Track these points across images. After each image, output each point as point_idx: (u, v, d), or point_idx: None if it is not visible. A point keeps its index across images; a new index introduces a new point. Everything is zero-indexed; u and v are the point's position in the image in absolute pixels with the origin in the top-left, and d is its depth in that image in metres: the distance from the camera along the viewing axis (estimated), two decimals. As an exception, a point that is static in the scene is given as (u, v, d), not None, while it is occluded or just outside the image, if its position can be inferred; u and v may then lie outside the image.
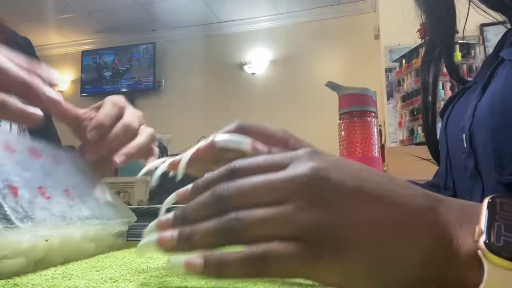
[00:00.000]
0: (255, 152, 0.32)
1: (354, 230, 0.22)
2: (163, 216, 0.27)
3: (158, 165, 0.38)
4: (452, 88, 2.60)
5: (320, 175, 0.23)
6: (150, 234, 0.27)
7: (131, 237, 0.74)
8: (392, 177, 0.25)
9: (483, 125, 0.38)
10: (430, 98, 0.57)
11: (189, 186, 0.29)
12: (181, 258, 0.24)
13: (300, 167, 0.24)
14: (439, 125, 0.56)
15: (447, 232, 0.22)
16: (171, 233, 0.25)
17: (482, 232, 0.21)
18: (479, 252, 0.21)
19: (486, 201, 0.23)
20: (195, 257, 0.24)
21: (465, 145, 0.42)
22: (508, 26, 0.47)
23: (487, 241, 0.21)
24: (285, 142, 0.38)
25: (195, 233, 0.25)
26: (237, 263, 0.23)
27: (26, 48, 0.75)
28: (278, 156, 0.26)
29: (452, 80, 0.58)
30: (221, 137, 0.34)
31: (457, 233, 0.22)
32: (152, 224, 0.28)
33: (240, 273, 0.23)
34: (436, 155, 0.57)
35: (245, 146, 0.32)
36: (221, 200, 0.25)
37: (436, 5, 0.54)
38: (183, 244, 0.25)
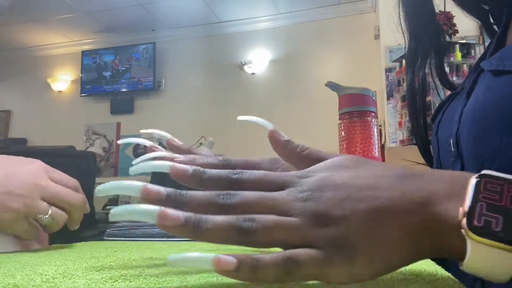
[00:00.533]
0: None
1: (355, 236, 0.24)
2: (151, 186, 0.26)
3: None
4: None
5: (318, 197, 0.25)
6: (130, 199, 0.26)
7: (110, 236, 0.74)
8: (384, 172, 0.27)
9: (466, 131, 0.40)
10: (419, 103, 0.57)
11: (187, 166, 0.28)
12: (195, 254, 0.23)
13: (302, 191, 0.26)
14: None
15: (437, 209, 0.24)
16: (177, 213, 0.24)
17: (465, 212, 0.23)
18: (462, 231, 0.23)
19: (472, 179, 0.25)
20: (227, 255, 0.24)
21: (453, 149, 0.44)
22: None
23: (469, 222, 0.23)
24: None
25: (206, 223, 0.24)
26: (272, 265, 0.24)
27: None
28: (280, 175, 0.28)
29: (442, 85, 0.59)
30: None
31: (445, 207, 0.24)
32: (129, 184, 0.26)
33: (273, 277, 0.24)
34: (427, 159, 0.58)
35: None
36: (229, 203, 0.26)
37: (418, 13, 0.56)
38: (191, 230, 0.24)
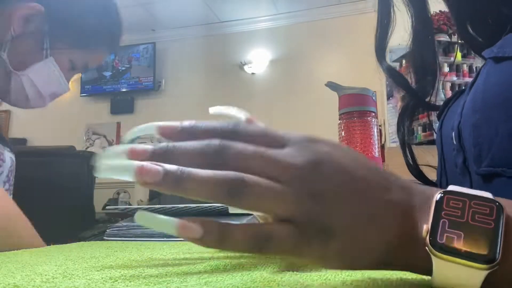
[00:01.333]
0: None
1: (337, 222, 0.24)
2: (139, 145, 0.24)
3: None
4: (452, 88, 2.60)
5: (315, 170, 0.24)
6: (115, 158, 0.23)
7: (110, 236, 0.74)
8: (377, 169, 0.26)
9: (467, 121, 0.40)
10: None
11: (177, 123, 0.27)
12: (162, 216, 0.22)
13: (299, 157, 0.25)
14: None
15: (411, 223, 0.25)
16: (156, 166, 0.23)
17: (428, 230, 0.24)
18: (427, 248, 0.24)
19: (435, 196, 0.25)
20: (192, 221, 0.22)
21: (455, 142, 0.44)
22: None
23: (432, 239, 0.24)
24: None
25: (189, 176, 0.23)
26: (240, 235, 0.23)
27: None
28: (279, 133, 0.26)
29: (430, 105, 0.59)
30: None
31: (418, 224, 0.25)
32: (118, 148, 0.24)
33: (242, 246, 0.23)
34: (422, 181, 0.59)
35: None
36: (222, 154, 0.24)
37: (422, 66, 0.58)
38: (172, 183, 0.23)
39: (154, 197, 3.20)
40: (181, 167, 0.23)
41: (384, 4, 0.57)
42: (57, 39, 0.73)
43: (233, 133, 0.25)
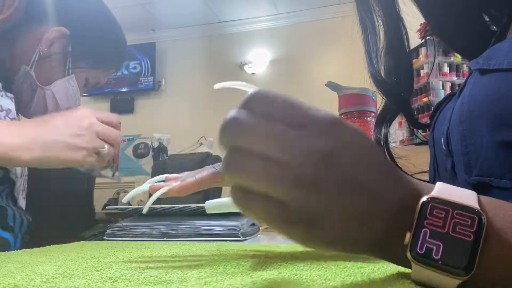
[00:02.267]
0: None
1: (329, 215, 0.24)
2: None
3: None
4: (452, 88, 2.60)
5: (322, 161, 0.24)
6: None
7: (110, 236, 0.74)
8: (383, 166, 0.26)
9: (455, 129, 0.42)
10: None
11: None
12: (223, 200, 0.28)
13: (314, 143, 0.24)
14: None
15: (398, 225, 0.25)
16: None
17: (410, 238, 0.25)
18: (407, 254, 0.25)
19: (420, 203, 0.25)
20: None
21: (444, 147, 0.45)
22: None
23: (412, 246, 0.24)
24: None
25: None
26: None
27: None
28: (302, 110, 0.26)
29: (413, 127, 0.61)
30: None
31: (403, 227, 0.25)
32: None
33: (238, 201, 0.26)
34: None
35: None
36: (234, 135, 0.26)
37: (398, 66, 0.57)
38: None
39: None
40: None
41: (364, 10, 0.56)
42: (78, 59, 0.80)
43: (259, 100, 0.26)
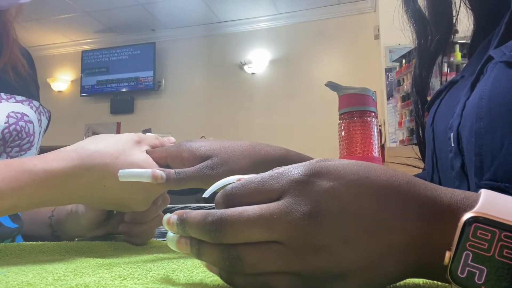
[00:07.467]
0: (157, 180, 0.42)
1: (347, 268, 0.24)
2: (169, 216, 0.29)
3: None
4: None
5: (314, 223, 0.23)
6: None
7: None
8: (389, 192, 0.24)
9: (468, 126, 0.37)
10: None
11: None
12: (175, 237, 0.28)
13: (296, 211, 0.24)
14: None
15: (430, 250, 0.24)
16: (185, 241, 0.28)
17: (450, 258, 0.23)
18: (447, 275, 0.23)
19: (463, 219, 0.23)
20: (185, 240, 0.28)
21: (453, 145, 0.41)
22: None
23: (453, 269, 0.22)
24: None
25: (203, 250, 0.26)
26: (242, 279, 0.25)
27: (28, 59, 0.81)
28: (270, 184, 0.26)
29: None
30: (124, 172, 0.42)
31: (438, 248, 0.24)
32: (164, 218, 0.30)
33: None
34: (422, 154, 0.57)
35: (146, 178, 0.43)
36: (216, 231, 0.25)
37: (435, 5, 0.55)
38: (196, 254, 0.27)
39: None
40: (197, 242, 0.27)
41: None
42: None
43: (230, 198, 0.27)
